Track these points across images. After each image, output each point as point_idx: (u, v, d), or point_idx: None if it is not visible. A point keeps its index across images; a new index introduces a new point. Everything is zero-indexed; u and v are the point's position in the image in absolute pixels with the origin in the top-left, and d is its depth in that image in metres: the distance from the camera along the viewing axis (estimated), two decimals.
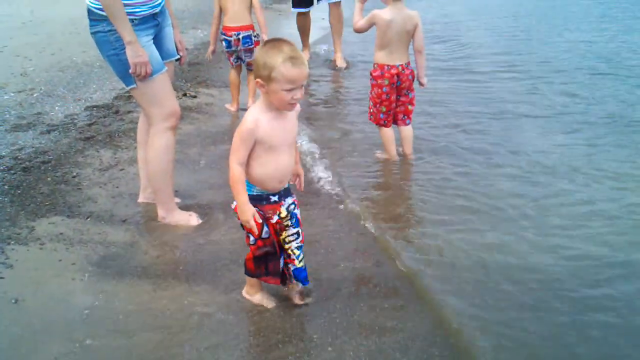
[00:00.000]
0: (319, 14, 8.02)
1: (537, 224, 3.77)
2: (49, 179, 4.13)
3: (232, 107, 5.84)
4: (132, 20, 3.31)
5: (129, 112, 5.45)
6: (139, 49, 3.32)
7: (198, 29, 8.97)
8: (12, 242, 3.39)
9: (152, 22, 3.50)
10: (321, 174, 4.46)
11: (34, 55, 7.04)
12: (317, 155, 4.79)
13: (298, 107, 2.68)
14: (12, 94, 5.78)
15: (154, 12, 3.48)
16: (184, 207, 3.85)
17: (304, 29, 7.62)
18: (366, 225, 3.75)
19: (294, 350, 2.64)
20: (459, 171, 4.48)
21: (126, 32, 3.27)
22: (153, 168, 3.67)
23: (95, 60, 6.78)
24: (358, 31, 4.49)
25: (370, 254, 3.45)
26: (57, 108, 5.49)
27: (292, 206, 2.81)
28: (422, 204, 4.08)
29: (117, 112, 5.45)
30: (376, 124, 4.59)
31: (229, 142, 4.77)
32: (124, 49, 3.31)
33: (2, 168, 4.23)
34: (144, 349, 2.65)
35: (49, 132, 4.92)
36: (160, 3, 3.53)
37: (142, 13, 3.39)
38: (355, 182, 4.35)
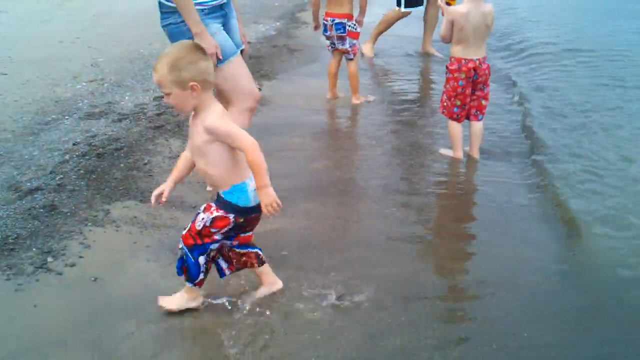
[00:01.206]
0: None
1: None
2: (121, 165, 4.28)
3: (328, 96, 5.95)
4: (202, 10, 3.51)
5: None
6: (208, 38, 3.47)
7: (259, 24, 9.09)
8: (90, 224, 3.55)
9: (220, 12, 3.68)
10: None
11: (104, 47, 7.28)
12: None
13: (208, 118, 2.59)
14: (84, 84, 6.00)
15: (221, 2, 3.66)
16: None
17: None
18: None
19: None
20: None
21: (194, 23, 3.45)
22: None
23: (150, 56, 6.96)
24: (445, 39, 4.49)
25: None
26: (127, 98, 5.67)
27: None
28: None
29: None
30: (448, 117, 4.59)
31: (290, 134, 5.00)
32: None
33: (78, 154, 4.40)
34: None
35: (120, 120, 5.09)
36: None
37: (212, 3, 3.58)
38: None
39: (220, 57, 3.54)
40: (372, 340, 2.72)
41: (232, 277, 3.05)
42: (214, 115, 2.59)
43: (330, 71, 5.91)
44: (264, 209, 2.61)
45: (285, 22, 9.34)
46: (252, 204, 2.71)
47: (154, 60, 6.82)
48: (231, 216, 2.70)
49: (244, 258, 2.92)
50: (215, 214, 2.69)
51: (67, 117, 5.14)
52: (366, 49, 7.52)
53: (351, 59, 5.74)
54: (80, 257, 3.24)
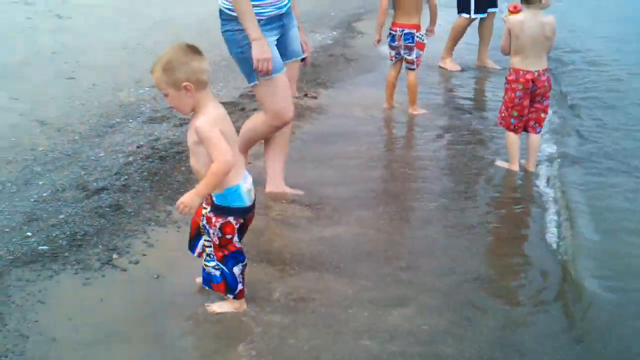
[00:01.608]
0: None
1: None
2: (182, 168, 4.41)
3: (385, 105, 6.02)
4: (259, 20, 3.58)
5: (254, 109, 5.70)
6: (265, 46, 3.56)
7: (317, 33, 9.20)
8: (153, 224, 3.68)
9: (278, 23, 3.74)
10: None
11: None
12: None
13: (199, 119, 2.63)
14: (146, 89, 6.19)
15: (280, 12, 3.73)
16: (299, 201, 4.08)
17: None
18: None
19: None
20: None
21: (253, 29, 3.53)
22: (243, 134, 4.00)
23: (221, 60, 7.11)
24: (504, 49, 4.52)
25: None
26: None
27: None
28: None
29: (242, 109, 5.73)
30: (506, 128, 4.59)
31: (345, 143, 5.07)
32: (249, 47, 3.57)
33: (141, 156, 4.57)
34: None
35: (181, 125, 5.24)
36: (286, 4, 3.76)
37: (269, 13, 3.66)
38: None
39: (271, 69, 3.62)
40: (426, 346, 2.75)
41: (290, 282, 3.14)
42: (204, 118, 2.62)
43: (389, 81, 5.96)
44: (179, 207, 2.64)
45: (342, 32, 9.45)
46: (248, 203, 2.78)
47: (213, 66, 6.99)
48: (231, 219, 2.75)
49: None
50: (218, 223, 2.75)
51: (130, 121, 5.33)
52: (448, 64, 7.54)
53: (412, 69, 5.78)
54: (144, 255, 3.38)
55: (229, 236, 2.77)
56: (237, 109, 5.74)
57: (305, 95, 6.28)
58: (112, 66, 6.86)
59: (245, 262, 2.86)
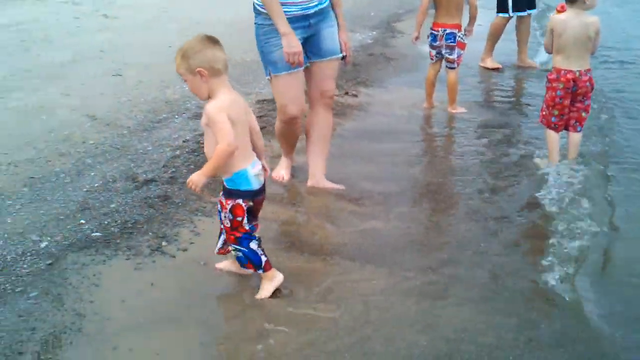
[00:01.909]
0: None
1: None
2: None
3: (425, 104, 6.10)
4: None
5: None
6: (293, 40, 3.72)
7: (356, 32, 9.27)
8: (199, 214, 3.82)
9: (302, 23, 3.85)
10: None
11: None
12: None
13: (210, 103, 2.85)
14: None
15: (305, 13, 3.83)
16: (341, 195, 4.18)
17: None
18: None
19: None
20: None
21: (282, 25, 3.71)
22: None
23: (259, 60, 7.26)
24: (546, 47, 4.57)
25: None
26: None
27: None
28: None
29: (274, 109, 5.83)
30: (546, 126, 4.61)
31: (386, 140, 5.13)
32: (267, 42, 3.81)
33: (187, 150, 4.71)
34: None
35: None
36: (313, 6, 3.85)
37: (294, 13, 3.78)
38: None
39: (301, 62, 3.80)
40: (463, 334, 2.81)
41: (332, 272, 3.23)
42: (214, 103, 2.83)
43: (429, 80, 6.02)
44: (188, 184, 2.87)
45: (381, 31, 9.51)
46: (255, 187, 2.96)
47: (253, 65, 7.18)
48: (240, 201, 2.93)
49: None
50: (228, 205, 2.93)
51: (176, 117, 5.49)
52: (488, 63, 7.57)
53: (453, 69, 5.83)
54: (191, 243, 3.51)
55: (239, 218, 2.95)
56: (271, 109, 5.85)
57: (346, 93, 6.36)
58: (157, 64, 7.03)
59: (258, 238, 3.03)
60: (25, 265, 3.22)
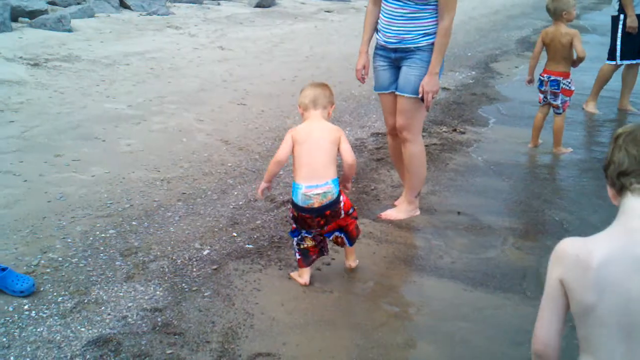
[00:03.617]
0: None
1: None
2: (353, 189, 4.97)
3: (530, 145, 6.39)
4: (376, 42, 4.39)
5: (377, 148, 6.19)
6: (359, 59, 4.46)
7: (456, 72, 9.66)
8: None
9: (384, 52, 4.33)
10: None
11: None
12: None
13: None
14: None
15: (385, 45, 4.29)
16: (461, 223, 4.53)
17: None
18: None
19: None
20: None
21: (361, 43, 4.47)
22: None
23: (371, 94, 7.73)
24: None
25: None
26: (347, 132, 6.44)
27: None
28: None
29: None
30: None
31: (495, 177, 5.45)
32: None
33: None
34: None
35: None
36: (391, 42, 4.21)
37: (378, 41, 4.36)
38: None
39: (358, 76, 4.48)
40: None
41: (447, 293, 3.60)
42: (294, 127, 3.65)
43: (536, 123, 6.29)
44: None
45: (480, 72, 9.84)
46: (300, 203, 3.45)
47: (364, 100, 7.66)
48: (290, 206, 3.60)
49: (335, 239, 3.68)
50: (291, 201, 3.58)
51: None
52: (589, 107, 7.80)
53: (559, 114, 6.11)
54: (333, 259, 3.92)
55: (291, 214, 3.61)
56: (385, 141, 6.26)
57: (454, 130, 6.73)
58: (275, 95, 7.63)
59: (299, 237, 3.57)
60: (194, 269, 3.73)
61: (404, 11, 4.07)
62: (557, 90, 6.04)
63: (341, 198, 3.53)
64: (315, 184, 3.43)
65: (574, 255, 1.70)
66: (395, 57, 4.26)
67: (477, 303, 3.57)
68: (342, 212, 3.55)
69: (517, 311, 3.49)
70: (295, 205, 3.50)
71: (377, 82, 4.46)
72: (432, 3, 4.02)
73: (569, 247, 1.74)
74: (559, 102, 6.07)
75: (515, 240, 4.35)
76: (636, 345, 1.62)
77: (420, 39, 4.12)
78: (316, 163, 3.47)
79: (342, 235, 3.63)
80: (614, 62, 7.60)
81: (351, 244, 3.69)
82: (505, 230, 4.48)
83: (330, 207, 3.47)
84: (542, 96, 6.22)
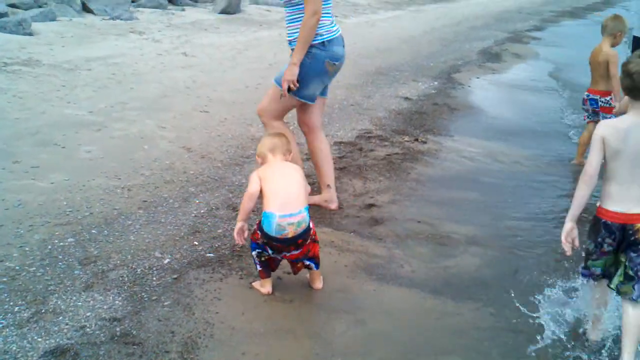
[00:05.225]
0: None
1: None
2: (315, 198, 5.00)
3: (574, 161, 6.45)
4: None
5: (372, 150, 6.30)
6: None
7: (418, 82, 9.77)
8: None
9: None
10: None
11: None
12: None
13: None
14: None
15: None
16: (422, 232, 4.58)
17: None
18: None
19: None
20: None
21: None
22: None
23: (334, 103, 7.80)
24: None
25: None
26: None
27: None
28: None
29: (360, 149, 6.33)
30: None
31: (456, 186, 5.54)
32: None
33: None
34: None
35: (308, 159, 5.86)
36: (289, 44, 4.54)
37: None
38: None
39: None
40: None
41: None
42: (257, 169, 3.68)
43: (582, 140, 6.35)
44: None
45: (442, 82, 9.96)
46: (273, 234, 3.41)
47: (327, 109, 7.64)
48: (259, 232, 3.50)
49: (298, 265, 3.67)
50: (257, 227, 3.53)
51: None
52: None
53: None
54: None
55: (252, 238, 3.59)
56: (356, 149, 6.34)
57: (416, 139, 6.81)
58: (239, 102, 7.62)
59: (257, 251, 3.57)
60: (154, 278, 3.71)
61: (286, 15, 4.51)
62: (596, 109, 6.16)
63: (311, 225, 3.56)
64: (289, 213, 3.41)
65: (612, 123, 3.12)
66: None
67: (436, 311, 3.63)
68: (311, 237, 3.57)
69: (475, 319, 3.55)
70: (265, 235, 3.46)
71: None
72: (299, 4, 4.33)
73: (608, 121, 3.18)
74: (599, 119, 6.02)
75: (474, 249, 4.43)
76: (637, 170, 3.03)
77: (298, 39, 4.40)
78: (289, 192, 3.48)
79: (309, 262, 3.64)
80: None
81: (318, 267, 3.70)
82: (464, 239, 4.56)
83: (303, 235, 3.48)
84: (586, 114, 6.35)
